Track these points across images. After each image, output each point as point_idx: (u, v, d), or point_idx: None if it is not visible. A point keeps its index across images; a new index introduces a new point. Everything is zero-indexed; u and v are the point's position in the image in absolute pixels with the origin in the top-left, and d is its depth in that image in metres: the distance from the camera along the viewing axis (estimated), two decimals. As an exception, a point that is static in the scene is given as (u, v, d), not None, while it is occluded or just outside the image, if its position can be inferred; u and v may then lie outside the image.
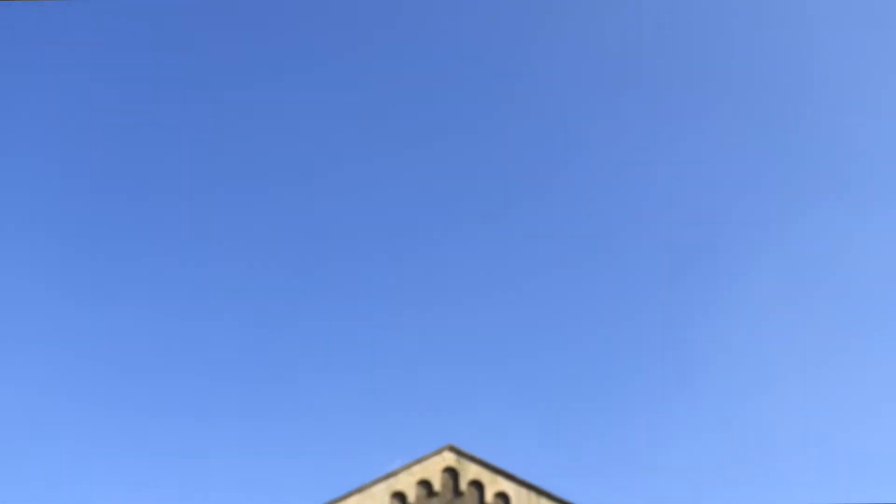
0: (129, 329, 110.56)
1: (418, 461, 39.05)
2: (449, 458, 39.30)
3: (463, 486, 38.66)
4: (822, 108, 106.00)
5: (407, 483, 38.44)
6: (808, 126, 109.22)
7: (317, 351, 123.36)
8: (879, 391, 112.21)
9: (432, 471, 38.90)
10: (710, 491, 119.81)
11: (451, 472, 39.03)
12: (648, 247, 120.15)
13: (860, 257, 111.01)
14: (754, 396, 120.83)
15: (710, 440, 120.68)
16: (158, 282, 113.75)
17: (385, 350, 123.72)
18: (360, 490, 38.07)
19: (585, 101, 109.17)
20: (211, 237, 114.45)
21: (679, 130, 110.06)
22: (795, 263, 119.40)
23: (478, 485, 38.82)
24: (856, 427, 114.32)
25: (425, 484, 38.65)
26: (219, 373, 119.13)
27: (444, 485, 38.65)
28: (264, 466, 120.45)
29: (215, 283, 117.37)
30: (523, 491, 38.74)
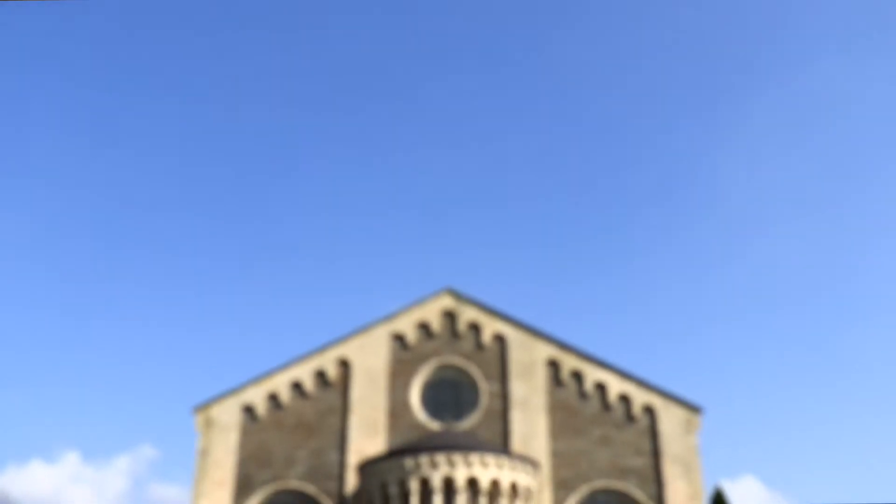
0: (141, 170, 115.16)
1: (417, 304, 40.78)
2: (447, 301, 40.85)
3: (461, 327, 40.33)
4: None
5: (406, 325, 40.31)
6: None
7: (317, 196, 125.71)
8: (874, 238, 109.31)
9: (431, 313, 40.58)
10: (705, 332, 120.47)
11: (450, 315, 40.65)
12: (649, 93, 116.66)
13: (860, 108, 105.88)
14: (753, 240, 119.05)
15: (706, 283, 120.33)
16: (168, 129, 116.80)
17: (384, 195, 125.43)
18: (360, 332, 40.17)
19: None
20: (222, 82, 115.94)
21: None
22: (796, 113, 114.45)
23: (475, 326, 40.44)
24: (852, 273, 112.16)
25: (424, 326, 40.45)
26: (222, 214, 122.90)
27: (442, 327, 40.38)
28: (266, 308, 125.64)
29: (222, 128, 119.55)
30: (520, 332, 40.21)
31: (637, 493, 37.45)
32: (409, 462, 33.54)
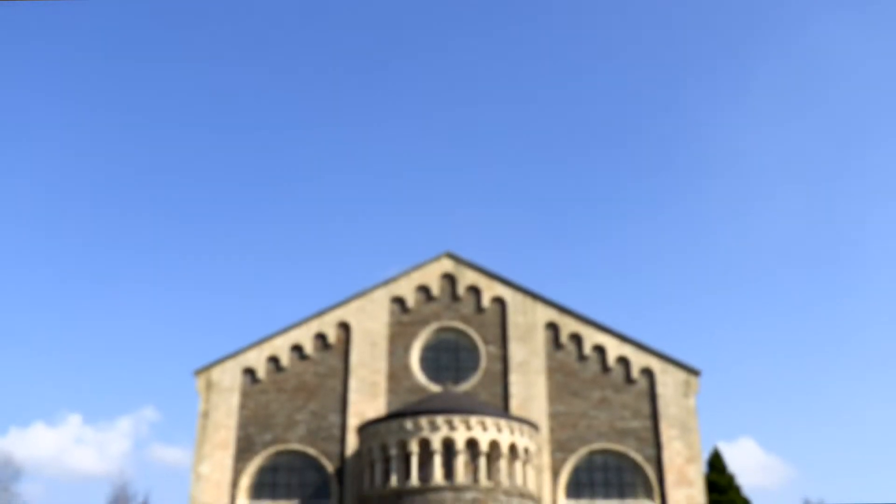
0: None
1: (417, 267, 40.88)
2: (447, 265, 40.95)
3: (460, 291, 40.48)
4: None
5: (406, 288, 40.45)
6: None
7: (317, 160, 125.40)
8: (875, 203, 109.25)
9: (431, 276, 40.71)
10: (704, 296, 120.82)
11: (449, 278, 40.77)
12: (651, 57, 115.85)
13: (865, 70, 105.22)
14: (753, 205, 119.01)
15: (706, 248, 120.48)
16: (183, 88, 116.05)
17: (383, 158, 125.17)
18: (360, 295, 40.32)
19: None
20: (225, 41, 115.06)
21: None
22: (799, 77, 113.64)
23: (475, 290, 40.59)
24: (853, 238, 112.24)
25: (424, 289, 40.59)
26: (223, 178, 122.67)
27: (442, 290, 40.52)
28: (267, 272, 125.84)
29: (222, 89, 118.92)
30: (519, 295, 40.37)
31: (635, 455, 37.81)
32: (409, 424, 33.81)
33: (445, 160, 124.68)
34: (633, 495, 37.54)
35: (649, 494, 37.36)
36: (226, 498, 37.11)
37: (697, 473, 37.58)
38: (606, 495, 37.57)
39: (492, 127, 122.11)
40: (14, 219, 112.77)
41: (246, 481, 37.68)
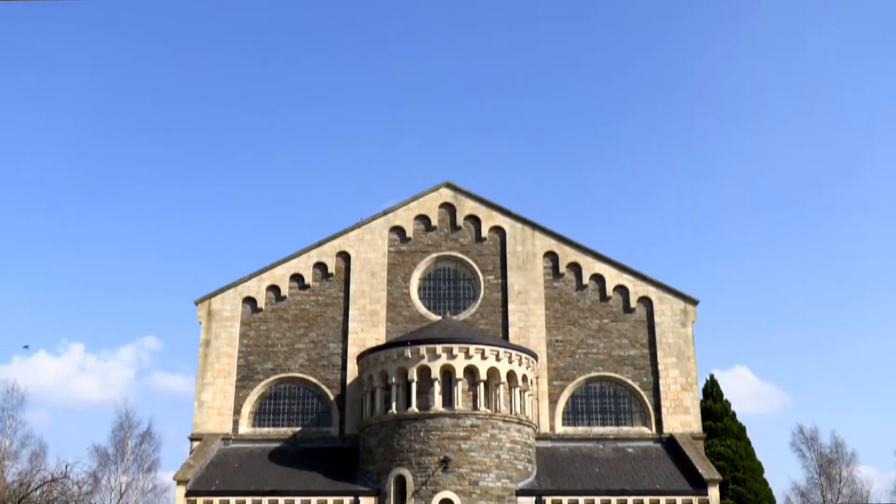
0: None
1: (416, 197, 40.85)
2: (446, 195, 40.92)
3: (460, 221, 40.49)
4: None
5: (405, 218, 40.49)
6: None
7: (316, 89, 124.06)
8: (875, 135, 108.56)
9: (430, 206, 40.70)
10: (703, 226, 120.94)
11: (449, 208, 40.78)
12: None
13: (864, 3, 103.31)
14: (753, 137, 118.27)
15: (705, 179, 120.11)
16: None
17: (382, 87, 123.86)
18: (359, 225, 40.39)
19: None
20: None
21: None
22: (802, 8, 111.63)
23: (474, 219, 40.64)
24: (851, 171, 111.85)
25: (423, 219, 40.63)
26: (223, 106, 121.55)
27: (441, 220, 40.56)
28: (267, 201, 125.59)
29: (222, 15, 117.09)
30: (518, 225, 40.45)
31: (632, 382, 38.28)
32: (408, 352, 34.13)
33: (444, 90, 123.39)
34: (630, 422, 38.13)
35: (645, 421, 37.94)
36: (228, 424, 37.69)
37: (693, 400, 38.11)
38: (603, 422, 38.16)
39: (491, 56, 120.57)
40: (14, 149, 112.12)
41: (248, 408, 38.22)
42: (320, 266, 40.12)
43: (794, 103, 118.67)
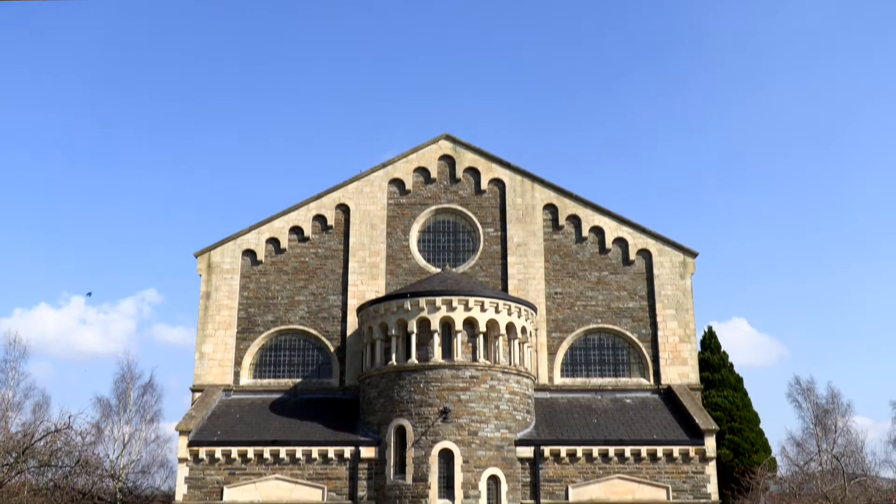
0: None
1: (415, 149, 40.70)
2: (445, 147, 40.75)
3: (459, 173, 40.37)
4: None
5: (404, 171, 40.35)
6: None
7: (316, 42, 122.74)
8: (876, 88, 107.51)
9: (429, 159, 40.55)
10: (702, 180, 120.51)
11: (448, 160, 40.63)
12: None
13: None
14: (753, 91, 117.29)
15: (704, 133, 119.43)
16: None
17: (382, 40, 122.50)
18: (358, 177, 40.26)
19: None
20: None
21: None
22: None
23: (474, 172, 40.48)
24: (851, 124, 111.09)
25: (422, 171, 40.47)
26: (223, 58, 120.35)
27: (440, 172, 40.43)
28: (267, 154, 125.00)
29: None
30: (517, 177, 40.34)
31: (630, 334, 38.48)
32: (408, 304, 34.24)
33: (444, 43, 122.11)
34: (628, 373, 38.41)
35: (643, 372, 38.22)
36: (229, 376, 37.96)
37: (691, 352, 38.35)
38: (601, 373, 38.44)
39: (490, 9, 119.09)
40: (14, 102, 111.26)
41: (249, 360, 38.46)
42: (320, 219, 40.06)
43: (794, 54, 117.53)
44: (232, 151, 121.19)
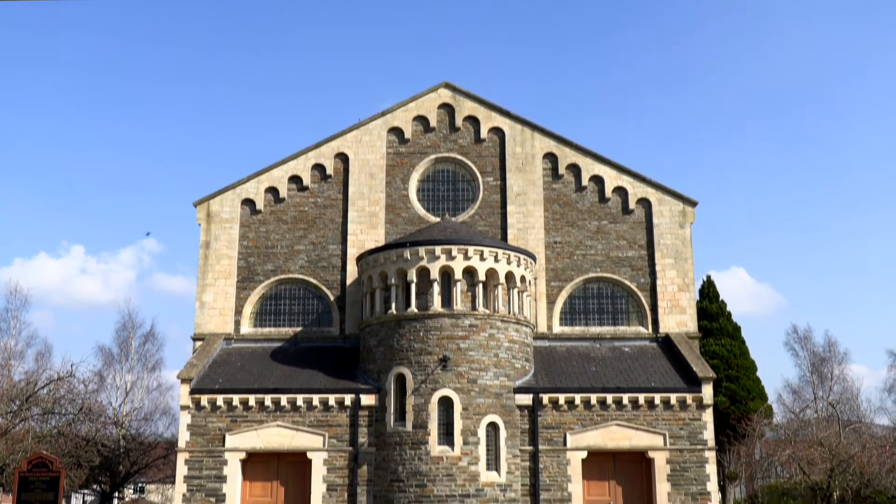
0: None
1: (414, 98, 40.45)
2: (445, 95, 40.50)
3: (459, 122, 40.20)
4: None
5: (403, 119, 40.17)
6: None
7: None
8: (877, 38, 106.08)
9: (428, 107, 40.34)
10: (703, 130, 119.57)
11: (447, 109, 40.47)
12: None
13: None
14: (754, 43, 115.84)
15: (706, 83, 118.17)
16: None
17: None
18: (357, 126, 40.12)
19: None
20: None
21: None
22: None
23: (473, 121, 40.31)
24: (853, 76, 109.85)
25: (422, 120, 40.28)
26: (223, 7, 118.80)
27: (440, 121, 40.25)
28: (265, 103, 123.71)
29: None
30: (517, 126, 40.21)
31: (629, 283, 38.60)
32: (407, 253, 34.28)
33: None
34: (627, 322, 38.61)
35: (642, 321, 38.42)
36: (230, 325, 38.16)
37: (689, 301, 38.51)
38: (600, 322, 38.64)
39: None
40: (14, 53, 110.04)
41: (249, 309, 38.63)
42: (318, 168, 39.91)
43: (798, 4, 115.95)
44: (231, 100, 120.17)
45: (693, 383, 34.36)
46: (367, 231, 38.93)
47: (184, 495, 33.52)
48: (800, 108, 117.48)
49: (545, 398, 34.21)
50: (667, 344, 37.46)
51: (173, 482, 40.85)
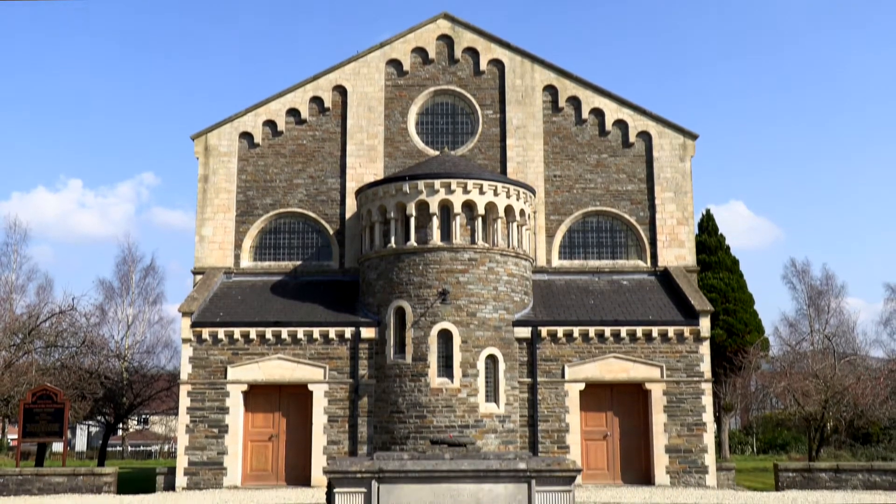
0: None
1: (413, 29, 39.91)
2: (444, 26, 39.94)
3: (458, 54, 39.72)
4: None
5: (402, 51, 39.67)
6: None
7: None
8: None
9: (427, 39, 39.82)
10: (704, 64, 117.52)
11: (447, 40, 39.94)
12: None
13: None
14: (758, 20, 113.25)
15: (707, 17, 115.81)
16: None
17: None
18: (355, 58, 39.67)
19: None
20: None
21: None
22: None
23: (473, 52, 39.85)
24: (854, 11, 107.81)
25: (420, 51, 39.79)
26: None
27: (438, 53, 39.75)
28: (262, 36, 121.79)
29: None
30: (517, 58, 39.78)
31: (629, 217, 38.58)
32: (406, 187, 34.17)
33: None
34: (625, 255, 38.69)
35: (641, 255, 38.50)
36: (230, 258, 38.23)
37: (688, 234, 38.52)
38: (599, 255, 38.71)
39: None
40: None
41: (248, 242, 38.65)
42: (316, 101, 39.52)
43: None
44: (229, 33, 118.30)
45: (691, 316, 34.58)
46: (365, 164, 38.74)
47: (187, 426, 34.02)
48: (801, 41, 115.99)
49: (544, 331, 34.47)
50: (665, 277, 37.59)
51: (176, 414, 41.43)
